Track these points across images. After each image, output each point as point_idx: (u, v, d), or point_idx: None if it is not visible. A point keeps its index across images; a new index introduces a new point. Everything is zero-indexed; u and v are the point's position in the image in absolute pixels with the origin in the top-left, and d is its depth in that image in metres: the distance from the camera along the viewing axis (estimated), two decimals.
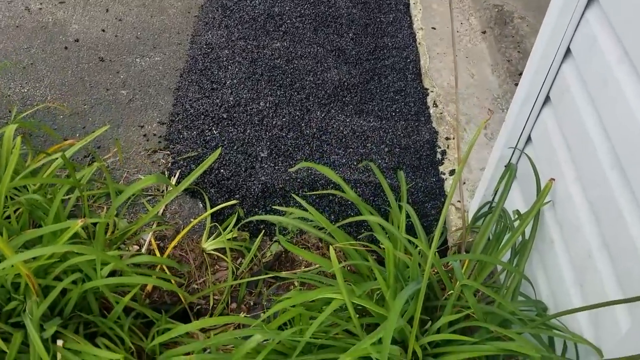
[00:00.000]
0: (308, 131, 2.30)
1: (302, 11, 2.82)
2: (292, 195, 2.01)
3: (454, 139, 2.31)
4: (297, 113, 2.37)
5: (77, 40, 2.63)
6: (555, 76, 1.48)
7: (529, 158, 1.56)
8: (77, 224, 1.35)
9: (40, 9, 2.78)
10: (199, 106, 2.37)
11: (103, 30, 2.69)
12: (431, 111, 2.42)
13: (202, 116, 2.33)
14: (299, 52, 2.62)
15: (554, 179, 1.44)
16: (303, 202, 1.70)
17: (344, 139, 2.29)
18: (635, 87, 1.16)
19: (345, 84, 2.51)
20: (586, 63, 1.34)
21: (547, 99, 1.53)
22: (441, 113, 2.41)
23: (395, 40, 2.72)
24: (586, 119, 1.35)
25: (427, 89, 2.52)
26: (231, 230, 1.92)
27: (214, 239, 1.91)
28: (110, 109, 2.36)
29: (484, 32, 2.79)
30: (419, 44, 2.72)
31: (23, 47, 2.59)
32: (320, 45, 2.67)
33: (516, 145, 1.64)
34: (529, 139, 1.63)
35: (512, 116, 1.60)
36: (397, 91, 2.49)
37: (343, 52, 2.65)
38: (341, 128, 2.33)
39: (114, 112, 2.34)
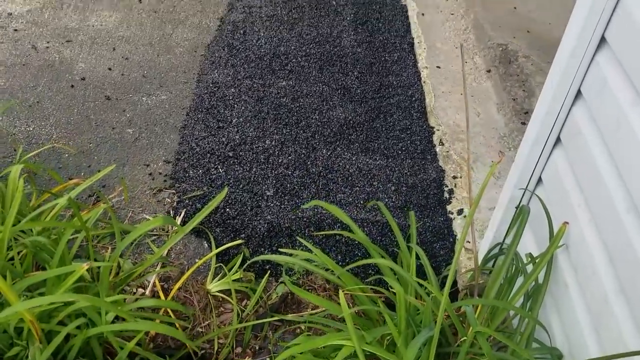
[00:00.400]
0: (314, 169, 2.29)
1: (308, 50, 2.84)
2: (298, 238, 1.98)
3: (461, 177, 2.30)
4: (303, 151, 2.36)
5: (83, 79, 2.65)
6: (566, 118, 1.47)
7: (541, 200, 1.54)
8: (82, 268, 1.32)
9: (47, 47, 2.81)
10: (205, 144, 2.37)
11: (110, 69, 2.71)
12: (437, 149, 2.41)
13: (208, 154, 2.33)
14: (304, 91, 2.63)
15: (567, 223, 1.41)
16: (308, 245, 1.67)
17: (350, 177, 2.27)
18: None
19: (351, 122, 2.51)
20: (598, 105, 1.33)
21: (558, 140, 1.52)
22: (447, 151, 2.40)
23: (400, 79, 2.73)
24: (599, 162, 1.33)
25: (432, 127, 2.51)
26: (236, 271, 1.89)
27: (219, 280, 1.87)
28: (116, 147, 2.35)
29: (488, 71, 2.81)
30: (424, 82, 2.73)
31: (29, 85, 2.60)
32: (325, 83, 2.68)
33: (527, 187, 1.62)
34: (539, 180, 1.61)
35: (523, 157, 1.58)
36: (403, 129, 2.49)
37: (348, 91, 2.66)
38: (347, 166, 2.31)
39: (120, 150, 2.33)
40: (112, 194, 2.15)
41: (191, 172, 2.25)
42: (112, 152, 2.32)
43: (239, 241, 2.03)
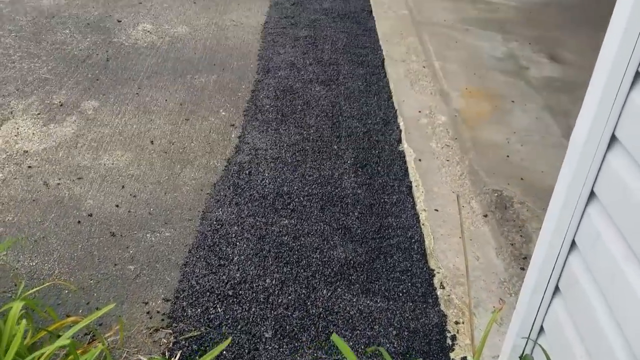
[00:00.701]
0: (314, 310, 2.27)
1: (310, 191, 2.94)
2: None
3: (463, 323, 2.27)
4: (303, 291, 2.36)
5: (90, 215, 2.71)
6: (563, 267, 1.50)
7: (544, 350, 1.52)
8: None
9: (58, 184, 2.91)
10: (205, 282, 2.37)
11: (117, 206, 2.78)
12: (438, 293, 2.41)
13: (208, 293, 2.32)
14: (306, 230, 2.69)
15: None
16: None
17: (350, 320, 2.25)
18: None
19: (352, 262, 2.53)
20: (592, 257, 1.37)
21: (557, 289, 1.53)
22: (449, 295, 2.39)
23: (400, 221, 2.80)
24: (598, 312, 1.34)
25: (433, 270, 2.53)
26: None
27: None
28: (116, 284, 2.35)
29: (485, 216, 2.88)
30: (423, 224, 2.79)
31: (37, 220, 2.66)
32: (326, 223, 2.74)
33: (529, 335, 1.60)
34: (541, 328, 1.61)
35: (523, 305, 1.59)
36: (403, 271, 2.51)
37: (349, 230, 2.71)
38: (348, 308, 2.30)
39: (120, 287, 2.33)
40: (108, 333, 2.11)
41: (189, 311, 2.23)
42: (112, 289, 2.32)
43: None
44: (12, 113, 3.47)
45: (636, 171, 1.20)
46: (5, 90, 3.71)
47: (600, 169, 1.34)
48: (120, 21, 4.84)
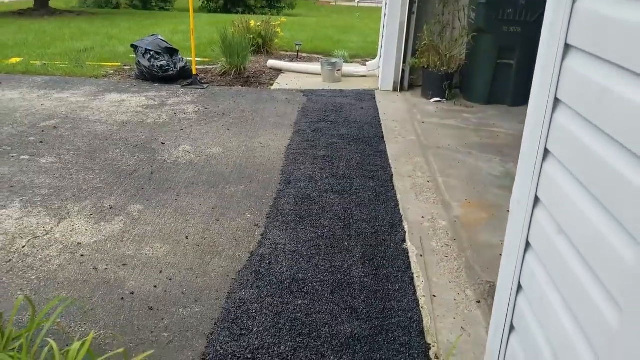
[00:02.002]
0: None
1: (322, 278, 3.35)
2: None
3: None
4: (313, 357, 2.69)
5: (132, 293, 3.15)
6: (514, 307, 1.87)
7: None
8: None
9: (106, 269, 3.38)
10: (228, 348, 2.73)
11: (155, 287, 3.22)
12: None
13: (230, 356, 2.67)
14: (317, 309, 3.06)
15: None
16: None
17: None
18: None
19: (357, 335, 2.87)
20: (531, 296, 1.76)
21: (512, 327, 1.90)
22: None
23: (401, 304, 3.16)
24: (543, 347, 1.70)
25: (429, 344, 2.85)
26: None
27: None
28: (152, 347, 2.72)
29: (478, 302, 3.23)
30: (422, 307, 3.14)
31: (87, 296, 3.10)
32: (336, 304, 3.12)
33: None
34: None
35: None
36: (403, 344, 2.83)
37: (355, 311, 3.07)
38: None
39: (155, 350, 2.70)
40: None
41: None
42: (149, 351, 2.69)
43: None
44: (68, 214, 4.05)
45: None
46: (63, 195, 4.33)
47: (530, 223, 1.78)
48: (164, 143, 5.58)
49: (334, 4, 31.76)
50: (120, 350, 2.50)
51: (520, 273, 1.82)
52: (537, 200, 1.74)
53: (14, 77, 8.17)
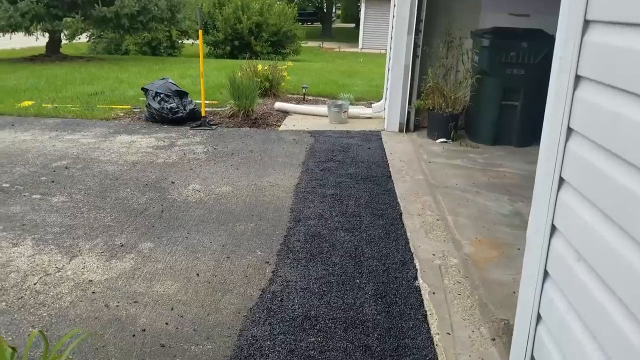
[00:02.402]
0: None
1: (334, 315, 3.33)
2: None
3: None
4: None
5: (144, 330, 3.13)
6: (535, 337, 1.86)
7: None
8: None
9: (117, 305, 3.37)
10: None
11: (166, 324, 3.20)
12: None
13: None
14: (330, 346, 3.03)
15: None
16: None
17: None
18: None
19: None
20: (553, 327, 1.75)
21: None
22: None
23: (415, 342, 3.13)
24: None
25: None
26: None
27: None
28: None
29: (493, 339, 3.19)
30: (437, 345, 3.11)
31: (98, 333, 3.08)
32: (349, 341, 3.09)
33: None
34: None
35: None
36: None
37: (369, 348, 3.04)
38: None
39: None
40: None
41: None
42: None
43: None
44: (80, 251, 4.06)
45: None
46: (75, 234, 4.35)
47: (544, 283, 1.79)
48: (174, 182, 5.63)
49: (338, 50, 32.42)
50: None
51: (540, 302, 1.82)
52: (554, 228, 1.75)
53: (26, 119, 8.31)
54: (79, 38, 23.33)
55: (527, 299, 1.83)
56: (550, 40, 7.25)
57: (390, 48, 8.37)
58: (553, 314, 1.71)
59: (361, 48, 32.05)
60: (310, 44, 32.49)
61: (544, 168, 1.83)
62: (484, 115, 7.56)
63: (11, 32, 15.29)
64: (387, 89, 8.66)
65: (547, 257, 1.77)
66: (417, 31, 7.78)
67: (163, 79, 8.82)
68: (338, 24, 50.29)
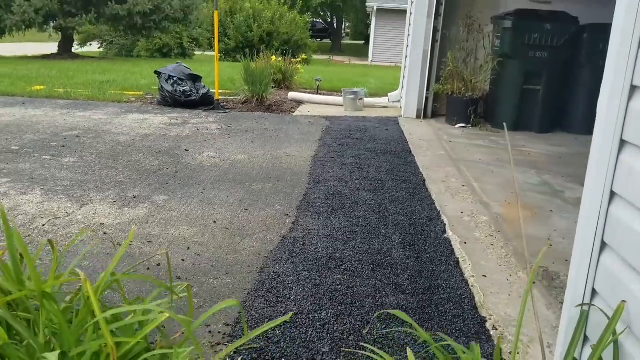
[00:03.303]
0: (369, 337, 2.33)
1: (361, 258, 3.11)
2: None
3: (519, 354, 2.28)
4: (358, 323, 2.43)
5: (158, 265, 2.92)
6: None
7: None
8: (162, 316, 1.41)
9: (130, 244, 3.16)
10: (263, 312, 2.48)
11: (183, 260, 2.99)
12: (492, 333, 2.44)
13: (266, 320, 2.42)
14: (358, 283, 2.81)
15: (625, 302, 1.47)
16: None
17: (404, 347, 2.28)
18: None
19: (404, 307, 2.61)
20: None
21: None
22: (502, 334, 2.43)
23: (449, 283, 2.90)
24: None
25: (484, 317, 2.58)
26: None
27: None
28: (180, 312, 2.47)
29: (533, 283, 2.96)
30: (472, 286, 2.88)
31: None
32: (378, 280, 2.86)
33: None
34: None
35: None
36: (456, 316, 2.56)
37: (400, 287, 2.82)
38: (402, 337, 2.34)
39: (185, 314, 2.45)
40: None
41: (249, 332, 2.32)
42: (179, 314, 2.44)
43: None
44: (91, 200, 3.87)
45: None
46: (85, 187, 4.16)
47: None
48: (188, 150, 5.45)
49: (348, 62, 32.41)
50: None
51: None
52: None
53: (37, 99, 8.19)
54: (90, 44, 23.49)
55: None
56: (574, 22, 7.13)
57: (409, 35, 8.22)
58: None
59: (371, 61, 32.03)
60: (320, 57, 32.51)
61: (594, 181, 1.62)
62: (505, 100, 7.36)
63: (25, 29, 15.31)
64: (404, 76, 8.49)
65: (594, 278, 1.57)
66: (437, 15, 7.63)
67: (177, 63, 8.70)
68: (347, 41, 50.38)
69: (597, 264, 1.65)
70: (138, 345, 1.64)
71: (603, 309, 1.58)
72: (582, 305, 1.70)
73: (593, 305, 1.67)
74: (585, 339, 1.69)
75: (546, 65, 7.09)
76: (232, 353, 2.17)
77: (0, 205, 1.96)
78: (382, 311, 2.54)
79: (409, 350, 1.62)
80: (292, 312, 2.36)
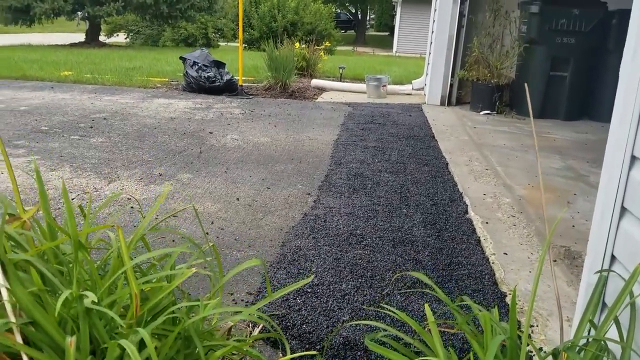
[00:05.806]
0: (390, 302, 2.36)
1: (382, 235, 3.13)
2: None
3: (537, 326, 2.29)
4: (378, 295, 2.46)
5: (182, 238, 2.98)
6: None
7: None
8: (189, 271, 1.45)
9: (156, 218, 3.23)
10: (285, 282, 2.53)
11: (207, 233, 3.05)
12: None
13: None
14: (378, 258, 2.84)
15: None
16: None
17: (421, 321, 2.30)
18: None
19: (424, 282, 2.62)
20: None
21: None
22: (522, 308, 2.43)
23: (470, 260, 2.91)
24: None
25: (504, 292, 2.58)
26: None
27: None
28: (206, 280, 2.54)
29: (554, 261, 2.95)
30: (493, 263, 2.89)
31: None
32: (398, 255, 2.89)
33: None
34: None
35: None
36: (475, 291, 2.58)
37: (420, 263, 2.84)
38: (422, 310, 2.37)
39: (209, 284, 2.51)
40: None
41: (271, 300, 2.36)
42: (203, 283, 2.50)
43: (314, 352, 2.02)
44: (118, 177, 3.96)
45: None
46: (113, 165, 4.26)
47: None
48: (212, 133, 5.52)
49: (372, 52, 32.25)
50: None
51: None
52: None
53: (65, 84, 8.35)
54: (117, 35, 23.78)
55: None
56: (603, 7, 7.00)
57: (434, 20, 8.18)
58: None
59: (395, 51, 31.81)
60: (344, 48, 32.40)
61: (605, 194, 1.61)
62: (531, 86, 7.27)
63: (53, 17, 15.57)
64: (428, 62, 8.44)
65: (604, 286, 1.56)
66: (463, 0, 7.57)
67: (201, 49, 8.79)
68: (371, 32, 50.07)
69: (617, 228, 1.65)
70: (165, 299, 1.69)
71: (622, 275, 1.58)
72: (600, 271, 1.70)
73: (612, 270, 1.67)
74: (604, 305, 1.69)
75: (573, 51, 6.99)
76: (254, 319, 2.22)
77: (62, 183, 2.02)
78: (402, 272, 2.57)
79: (427, 306, 1.64)
80: (313, 274, 2.39)
